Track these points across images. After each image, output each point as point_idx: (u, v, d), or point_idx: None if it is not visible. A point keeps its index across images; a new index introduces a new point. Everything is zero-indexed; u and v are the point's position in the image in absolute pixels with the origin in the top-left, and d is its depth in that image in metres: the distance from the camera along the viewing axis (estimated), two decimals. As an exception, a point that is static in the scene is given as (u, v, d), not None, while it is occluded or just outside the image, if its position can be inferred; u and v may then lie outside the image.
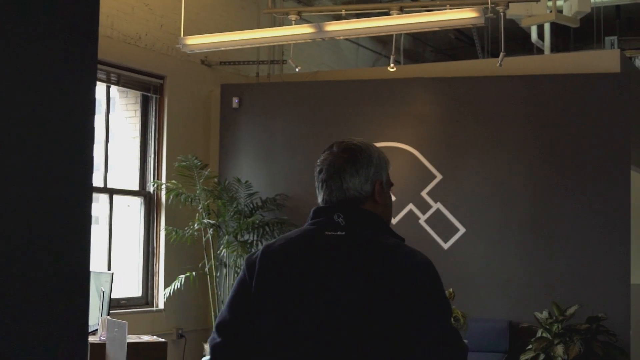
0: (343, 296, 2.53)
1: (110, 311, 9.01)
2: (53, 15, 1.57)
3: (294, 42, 8.99)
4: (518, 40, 12.90)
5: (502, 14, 8.38)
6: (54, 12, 1.57)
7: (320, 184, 2.74)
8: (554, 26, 11.69)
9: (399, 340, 2.49)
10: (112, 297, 9.36)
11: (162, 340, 4.11)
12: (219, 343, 2.65)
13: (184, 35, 8.90)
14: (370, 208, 2.71)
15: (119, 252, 9.80)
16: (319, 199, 2.75)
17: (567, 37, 13.38)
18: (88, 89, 1.72)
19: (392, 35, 9.66)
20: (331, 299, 2.53)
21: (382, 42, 14.25)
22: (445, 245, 9.55)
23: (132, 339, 4.15)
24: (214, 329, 2.71)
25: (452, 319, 2.60)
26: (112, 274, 5.15)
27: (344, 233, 2.61)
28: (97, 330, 4.64)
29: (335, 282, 2.55)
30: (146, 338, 4.20)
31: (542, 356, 8.42)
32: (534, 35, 11.74)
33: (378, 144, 9.53)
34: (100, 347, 4.10)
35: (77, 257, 2.14)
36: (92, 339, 4.34)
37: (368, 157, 2.72)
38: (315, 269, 2.59)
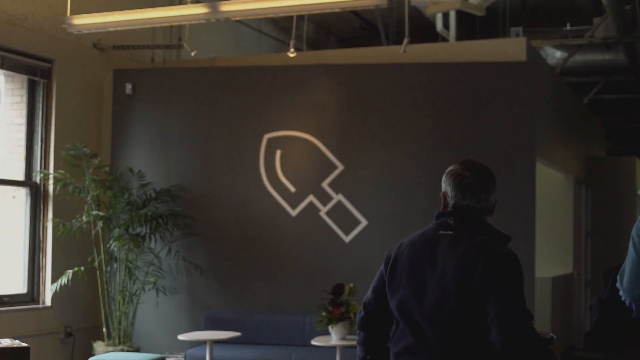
0: (445, 279, 3.35)
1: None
2: None
3: (188, 22, 8.59)
4: (423, 31, 12.67)
5: (406, -2, 8.11)
6: None
7: (464, 194, 3.50)
8: (460, 16, 11.49)
9: (484, 311, 3.28)
10: (-7, 294, 8.90)
11: (25, 345, 3.65)
12: (363, 316, 3.69)
13: (71, 14, 8.41)
14: (486, 217, 3.56)
15: (2, 246, 9.31)
16: (455, 201, 3.51)
17: (472, 27, 13.21)
18: None
19: (294, 22, 9.31)
20: (437, 281, 3.36)
21: (285, 30, 13.88)
22: (347, 238, 9.25)
23: (-11, 343, 3.68)
24: (361, 306, 3.71)
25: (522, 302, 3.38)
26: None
27: (451, 232, 3.44)
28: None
29: (440, 268, 3.38)
30: (6, 342, 3.73)
31: (445, 353, 8.17)
32: (439, 25, 11.51)
33: (278, 133, 9.23)
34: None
35: None
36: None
37: (495, 179, 3.62)
38: (428, 259, 3.44)
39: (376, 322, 3.64)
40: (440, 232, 3.47)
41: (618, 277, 4.32)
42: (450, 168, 3.57)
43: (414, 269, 3.46)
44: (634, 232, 4.24)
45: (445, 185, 3.56)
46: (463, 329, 3.31)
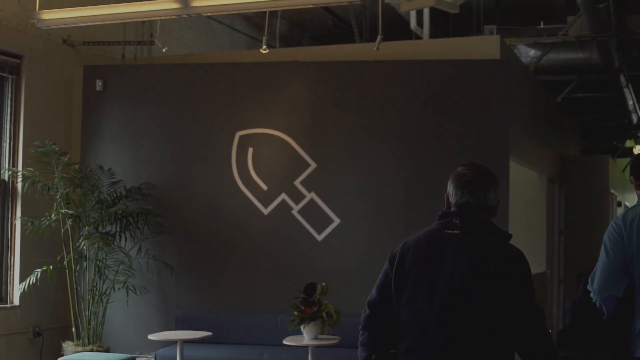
0: (455, 278, 3.43)
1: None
2: None
3: (159, 18, 8.48)
4: (397, 28, 12.61)
5: (380, -6, 8.04)
6: None
7: (463, 191, 3.60)
8: (434, 14, 11.43)
9: (494, 310, 3.37)
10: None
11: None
12: (368, 315, 3.67)
13: (40, 9, 8.29)
14: (486, 216, 3.66)
15: (-30, 244, 9.13)
16: (455, 200, 3.61)
17: (446, 25, 13.17)
18: None
19: (267, 18, 9.22)
20: (447, 280, 3.44)
21: (257, 27, 13.79)
22: (319, 237, 9.19)
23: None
24: (365, 305, 3.68)
25: (534, 298, 3.48)
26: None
27: (458, 232, 3.53)
28: None
29: (450, 267, 3.46)
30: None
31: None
32: (413, 22, 11.44)
33: (250, 131, 9.10)
34: None
35: None
36: None
37: (496, 180, 3.73)
38: (436, 258, 3.51)
39: (381, 321, 3.65)
40: (447, 231, 3.55)
41: (589, 279, 4.34)
42: (455, 170, 3.71)
43: (422, 268, 3.53)
44: (605, 236, 4.30)
45: (448, 186, 3.67)
46: (471, 328, 3.39)
